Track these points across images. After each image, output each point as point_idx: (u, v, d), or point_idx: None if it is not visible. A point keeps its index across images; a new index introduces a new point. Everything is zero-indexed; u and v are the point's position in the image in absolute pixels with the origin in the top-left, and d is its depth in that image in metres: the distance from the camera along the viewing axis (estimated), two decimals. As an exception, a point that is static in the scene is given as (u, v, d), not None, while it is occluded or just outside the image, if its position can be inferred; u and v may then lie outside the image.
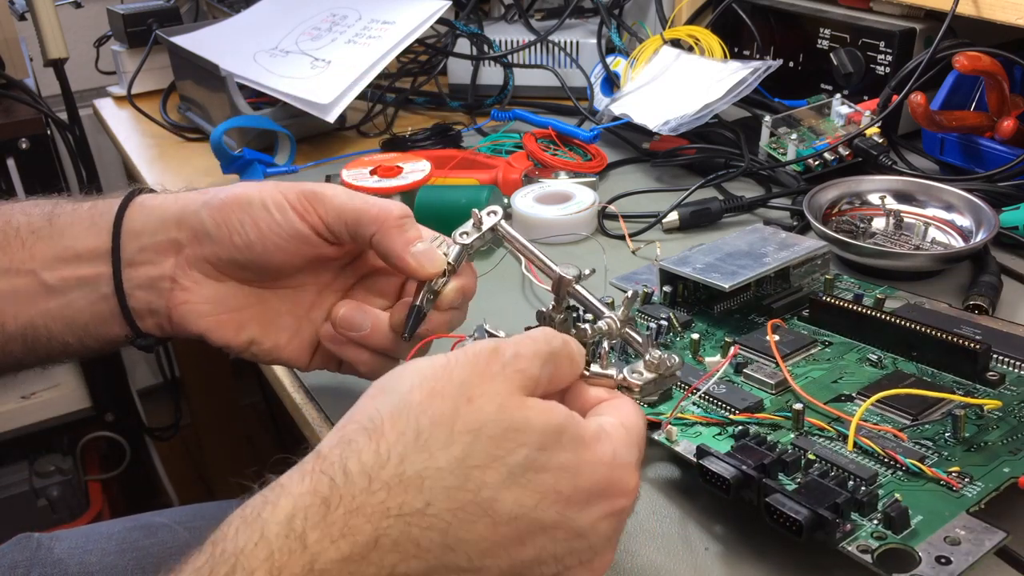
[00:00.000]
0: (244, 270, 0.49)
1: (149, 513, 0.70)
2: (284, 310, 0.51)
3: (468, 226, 0.50)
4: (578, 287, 0.48)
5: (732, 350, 0.52)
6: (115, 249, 0.48)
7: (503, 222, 0.50)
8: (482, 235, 0.50)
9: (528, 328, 0.57)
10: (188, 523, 0.67)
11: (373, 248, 0.48)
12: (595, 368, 0.43)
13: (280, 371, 0.62)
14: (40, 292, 0.48)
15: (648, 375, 0.43)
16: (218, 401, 1.57)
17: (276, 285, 0.51)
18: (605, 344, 0.45)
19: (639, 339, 0.46)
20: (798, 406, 0.47)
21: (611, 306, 0.47)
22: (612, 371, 0.43)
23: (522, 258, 0.51)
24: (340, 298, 0.52)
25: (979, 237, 0.66)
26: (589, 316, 0.54)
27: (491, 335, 0.46)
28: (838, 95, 0.88)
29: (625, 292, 0.66)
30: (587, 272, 0.49)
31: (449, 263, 0.49)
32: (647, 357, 0.44)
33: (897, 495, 0.42)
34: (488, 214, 0.50)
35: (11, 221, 0.49)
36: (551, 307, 0.49)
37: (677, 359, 0.44)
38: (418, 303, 0.48)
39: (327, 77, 0.95)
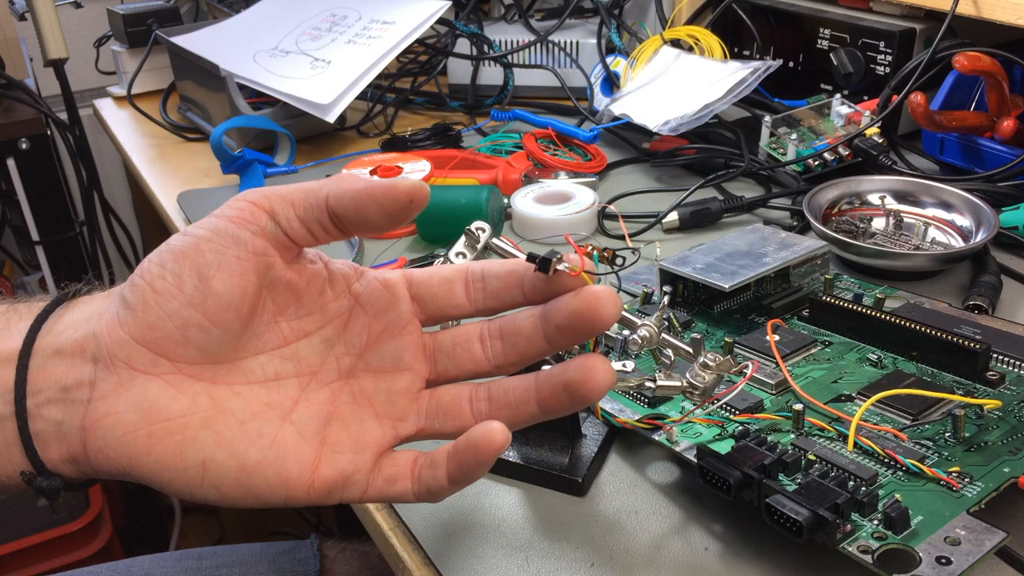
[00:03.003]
0: (185, 327, 0.35)
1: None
2: (251, 413, 0.36)
3: (461, 245, 0.51)
4: None
5: (751, 369, 0.50)
6: (25, 353, 0.36)
7: (495, 239, 0.50)
8: (478, 255, 0.50)
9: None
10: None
11: (331, 208, 0.36)
12: (661, 380, 0.44)
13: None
14: None
15: (710, 377, 0.44)
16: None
17: (234, 375, 0.37)
18: (670, 353, 0.45)
19: (683, 345, 0.46)
20: (798, 406, 0.47)
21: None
22: (677, 381, 0.44)
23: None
24: (337, 391, 0.38)
25: (979, 237, 0.66)
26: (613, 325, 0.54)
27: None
28: (838, 95, 0.88)
29: (632, 295, 0.66)
30: (596, 279, 0.49)
31: None
32: (703, 359, 0.44)
33: (897, 495, 0.42)
34: (478, 230, 0.50)
35: None
36: None
37: (727, 357, 0.45)
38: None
39: (327, 77, 0.95)
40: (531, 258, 0.38)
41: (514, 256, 0.51)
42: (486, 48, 1.11)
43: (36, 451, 0.35)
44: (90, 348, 0.35)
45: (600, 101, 0.99)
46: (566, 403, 0.37)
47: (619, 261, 0.42)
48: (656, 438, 0.47)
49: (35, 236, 1.19)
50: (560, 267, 0.37)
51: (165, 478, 0.35)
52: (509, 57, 1.10)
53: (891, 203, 0.72)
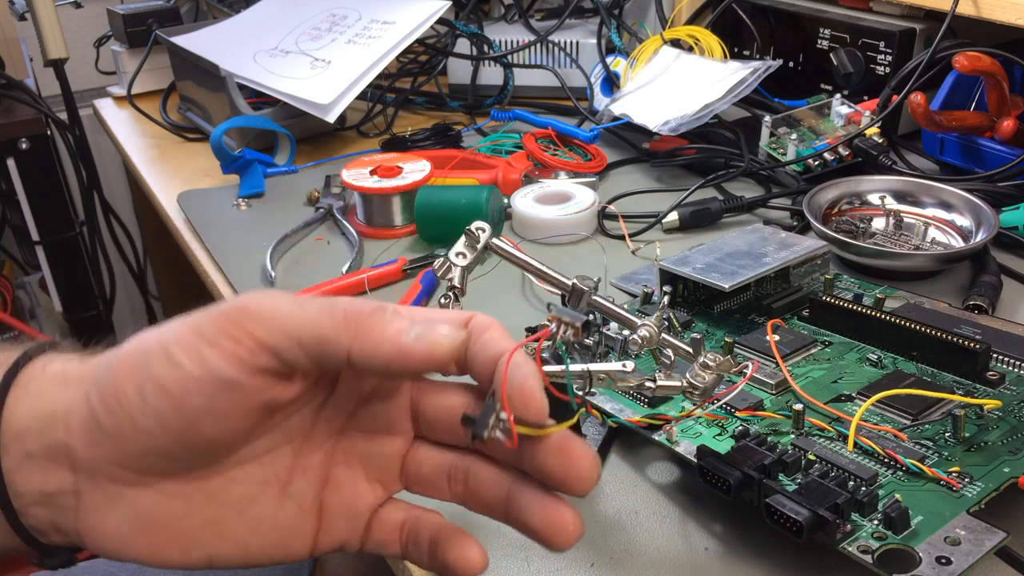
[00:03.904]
0: (171, 460, 0.32)
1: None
2: (248, 498, 0.35)
3: (461, 245, 0.50)
4: (597, 296, 0.48)
5: (751, 369, 0.50)
6: None
7: (495, 239, 0.50)
8: (478, 255, 0.50)
9: (529, 329, 0.58)
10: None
11: (353, 366, 0.32)
12: (661, 380, 0.43)
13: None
14: None
15: (710, 377, 0.44)
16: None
17: (227, 465, 0.34)
18: (670, 353, 0.45)
19: (683, 345, 0.46)
20: (798, 406, 0.47)
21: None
22: (677, 381, 0.44)
23: (524, 259, 0.51)
24: (330, 452, 0.36)
25: (979, 237, 0.66)
26: (613, 325, 0.54)
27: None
28: (838, 95, 0.88)
29: (632, 295, 0.66)
30: (596, 279, 0.49)
31: (456, 286, 0.49)
32: (703, 359, 0.44)
33: (897, 495, 0.42)
34: (478, 230, 0.50)
35: None
36: None
37: (727, 357, 0.45)
38: None
39: (327, 77, 0.95)
40: (465, 420, 0.32)
41: (513, 256, 0.51)
42: (486, 48, 1.10)
43: (38, 541, 0.34)
44: (64, 456, 0.33)
45: (600, 101, 0.99)
46: (531, 537, 0.34)
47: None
48: (656, 438, 0.47)
49: (35, 236, 1.19)
50: (496, 434, 0.31)
51: (172, 572, 0.35)
52: (509, 57, 1.10)
53: (891, 203, 0.72)
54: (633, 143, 0.94)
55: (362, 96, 1.00)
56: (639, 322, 0.47)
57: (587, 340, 0.51)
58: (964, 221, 0.69)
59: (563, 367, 0.42)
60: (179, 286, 1.42)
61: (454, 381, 0.36)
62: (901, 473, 0.43)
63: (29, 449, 0.33)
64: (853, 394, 0.50)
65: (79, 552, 0.36)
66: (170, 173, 0.99)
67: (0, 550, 0.35)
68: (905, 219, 0.72)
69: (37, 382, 0.34)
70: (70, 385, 0.33)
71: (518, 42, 1.11)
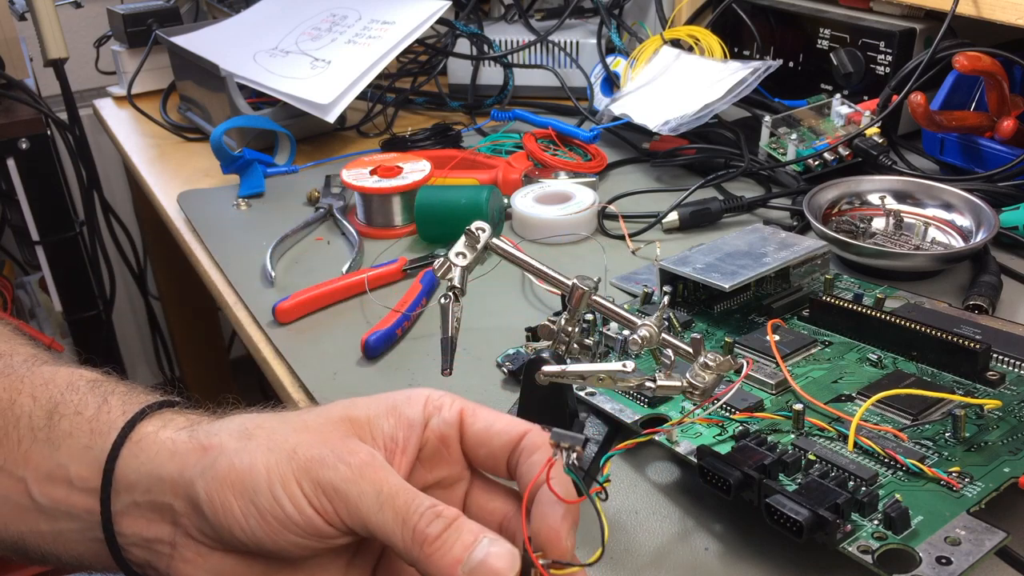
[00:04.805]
0: (254, 551, 0.39)
1: None
2: (320, 566, 0.41)
3: (461, 245, 0.50)
4: (597, 297, 0.48)
5: (746, 368, 0.49)
6: (104, 499, 0.39)
7: (495, 239, 0.50)
8: (478, 255, 0.50)
9: (529, 329, 0.58)
10: None
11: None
12: (661, 380, 0.43)
13: (280, 371, 0.62)
14: (30, 508, 0.41)
15: (710, 377, 0.44)
16: (219, 401, 1.57)
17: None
18: (670, 353, 0.45)
19: (683, 345, 0.46)
20: (798, 406, 0.47)
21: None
22: (677, 382, 0.44)
23: (524, 259, 0.51)
24: (380, 549, 0.42)
25: (979, 237, 0.66)
26: (613, 326, 0.54)
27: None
28: (838, 95, 0.88)
29: (632, 295, 0.66)
30: (596, 279, 0.49)
31: (456, 286, 0.49)
32: (703, 359, 0.44)
33: (897, 495, 0.42)
34: (478, 230, 0.50)
35: (16, 404, 0.42)
36: (563, 320, 0.49)
37: (727, 357, 0.45)
38: (450, 335, 0.48)
39: (327, 77, 0.95)
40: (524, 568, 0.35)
41: (513, 256, 0.51)
42: (486, 48, 1.11)
43: (135, 572, 0.40)
44: (168, 514, 0.38)
45: (600, 101, 0.99)
46: None
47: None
48: (656, 438, 0.47)
49: (35, 236, 1.20)
50: None
51: None
52: (509, 57, 1.10)
53: (891, 203, 0.72)
54: (633, 143, 0.94)
55: (362, 96, 1.00)
56: (639, 322, 0.47)
57: (587, 340, 0.51)
58: (964, 221, 0.69)
59: (563, 368, 0.42)
60: (179, 286, 1.42)
61: (504, 484, 0.41)
62: (901, 473, 0.43)
63: (136, 500, 0.39)
64: (853, 394, 0.50)
65: None
66: (170, 173, 0.99)
67: (99, 568, 0.41)
68: (905, 219, 0.72)
69: (149, 443, 0.40)
70: (177, 458, 0.39)
71: (518, 42, 1.11)
